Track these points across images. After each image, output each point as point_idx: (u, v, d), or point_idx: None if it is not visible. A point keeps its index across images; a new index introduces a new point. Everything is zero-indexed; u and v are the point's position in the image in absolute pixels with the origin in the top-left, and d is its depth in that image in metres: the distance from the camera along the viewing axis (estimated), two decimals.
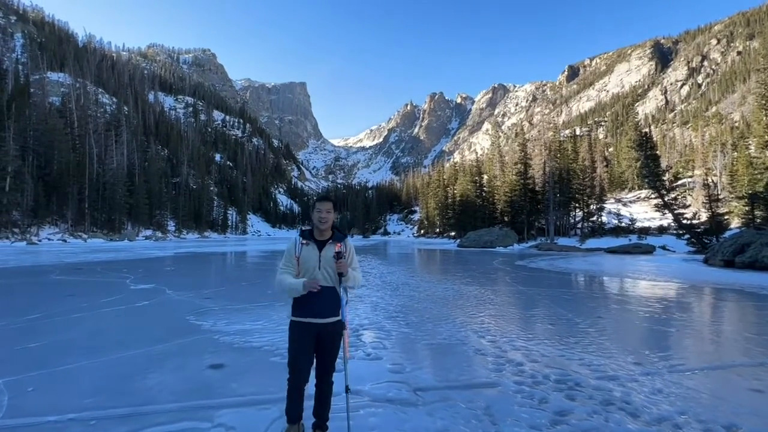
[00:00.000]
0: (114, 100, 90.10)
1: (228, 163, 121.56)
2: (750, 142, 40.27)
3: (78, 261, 15.43)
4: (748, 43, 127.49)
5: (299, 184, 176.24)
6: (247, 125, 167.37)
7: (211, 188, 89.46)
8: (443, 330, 4.74)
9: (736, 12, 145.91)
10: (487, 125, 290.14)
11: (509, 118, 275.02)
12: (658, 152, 27.52)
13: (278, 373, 3.16)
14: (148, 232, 54.62)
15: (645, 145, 25.75)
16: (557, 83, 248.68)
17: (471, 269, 13.79)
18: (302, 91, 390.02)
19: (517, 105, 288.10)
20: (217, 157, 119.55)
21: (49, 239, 38.05)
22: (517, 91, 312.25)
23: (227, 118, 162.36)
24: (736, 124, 67.39)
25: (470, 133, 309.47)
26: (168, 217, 64.18)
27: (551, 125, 47.40)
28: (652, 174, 24.90)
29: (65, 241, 38.53)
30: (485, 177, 54.65)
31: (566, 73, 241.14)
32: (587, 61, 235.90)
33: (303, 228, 2.30)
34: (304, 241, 2.19)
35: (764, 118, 36.81)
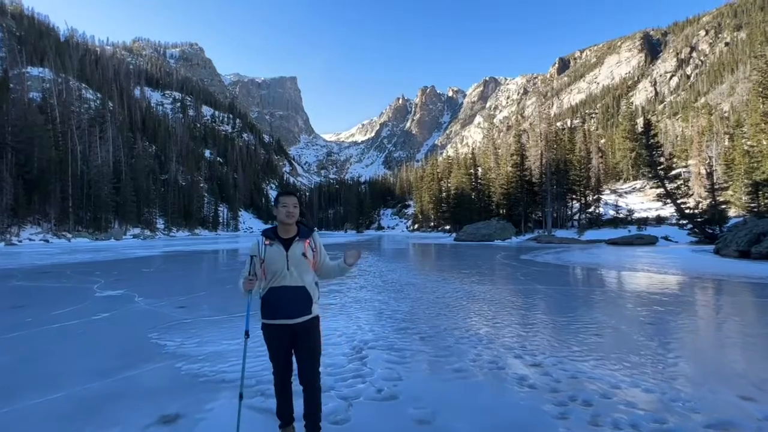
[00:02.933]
0: (98, 95, 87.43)
1: (218, 159, 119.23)
2: (745, 130, 39.96)
3: (50, 263, 14.24)
4: (735, 34, 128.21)
5: (291, 179, 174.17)
6: (237, 120, 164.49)
7: (201, 185, 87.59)
8: (468, 347, 3.82)
9: (724, 3, 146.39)
10: (479, 118, 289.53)
11: (501, 111, 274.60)
12: (660, 141, 26.87)
13: (259, 426, 2.21)
14: (137, 231, 53.02)
15: (647, 134, 25.02)
16: (548, 76, 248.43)
17: (476, 265, 12.93)
18: (293, 86, 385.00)
19: (508, 98, 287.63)
20: (207, 153, 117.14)
21: (30, 240, 36.50)
22: (508, 84, 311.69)
23: (216, 113, 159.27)
24: (726, 115, 67.45)
25: (462, 126, 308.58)
26: (157, 214, 62.53)
27: (545, 116, 46.65)
28: (654, 163, 24.24)
29: (47, 241, 36.97)
30: (480, 170, 53.88)
31: (557, 65, 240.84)
32: (578, 54, 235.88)
33: (266, 228, 2.16)
34: (267, 241, 2.07)
35: (761, 106, 36.53)
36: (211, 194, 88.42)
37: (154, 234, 54.82)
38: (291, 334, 2.05)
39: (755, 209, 21.71)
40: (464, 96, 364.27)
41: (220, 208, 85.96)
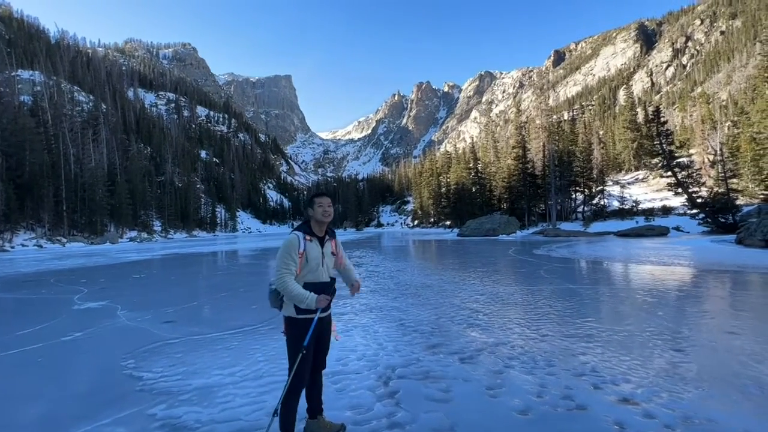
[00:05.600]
0: (91, 97, 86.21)
1: (214, 159, 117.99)
2: (749, 117, 39.22)
3: (36, 270, 13.39)
4: (731, 22, 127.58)
5: (288, 178, 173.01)
6: (233, 120, 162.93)
7: (198, 186, 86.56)
8: (523, 372, 3.02)
9: None
10: (475, 113, 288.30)
11: (497, 105, 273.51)
12: (670, 129, 26.10)
13: None
14: (133, 234, 52.10)
15: (657, 122, 24.21)
16: (544, 68, 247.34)
17: (490, 263, 12.15)
18: (288, 85, 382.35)
19: (504, 92, 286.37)
20: (203, 153, 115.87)
21: (23, 245, 35.62)
22: (503, 78, 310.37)
23: (211, 113, 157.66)
24: (724, 103, 66.81)
25: (458, 121, 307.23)
26: (154, 217, 61.58)
27: (545, 107, 45.81)
28: (665, 152, 23.47)
29: (41, 246, 36.04)
30: (480, 164, 53.06)
31: (552, 58, 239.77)
32: (573, 46, 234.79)
33: (297, 224, 2.27)
34: (308, 237, 2.13)
35: (767, 92, 35.82)
36: (208, 195, 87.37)
37: (151, 236, 53.87)
38: (320, 327, 2.13)
39: None
40: (460, 91, 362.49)
41: (217, 209, 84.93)
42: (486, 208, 44.84)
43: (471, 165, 52.81)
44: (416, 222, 77.96)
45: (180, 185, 76.57)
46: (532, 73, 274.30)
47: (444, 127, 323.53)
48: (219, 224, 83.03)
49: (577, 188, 40.86)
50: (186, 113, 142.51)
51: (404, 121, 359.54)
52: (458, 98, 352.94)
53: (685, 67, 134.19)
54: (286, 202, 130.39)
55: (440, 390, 2.76)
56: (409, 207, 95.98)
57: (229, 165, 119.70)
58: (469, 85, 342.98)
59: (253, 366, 3.27)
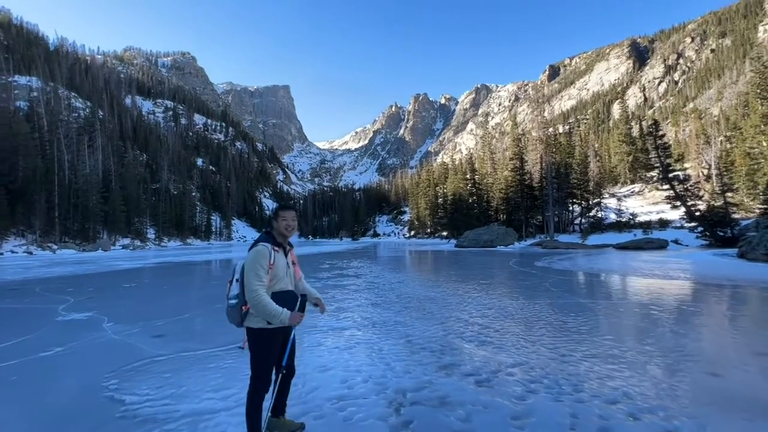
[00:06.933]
0: (88, 104, 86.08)
1: (210, 167, 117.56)
2: (743, 132, 39.69)
3: (23, 278, 12.92)
4: (720, 40, 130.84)
5: (285, 187, 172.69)
6: (230, 129, 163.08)
7: (193, 193, 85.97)
8: (549, 400, 2.72)
9: (708, 11, 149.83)
10: (471, 125, 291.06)
11: (493, 117, 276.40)
12: (668, 141, 26.23)
13: None
14: (126, 241, 51.33)
15: (655, 135, 24.33)
16: (539, 82, 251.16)
17: (492, 275, 11.89)
18: (286, 95, 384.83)
19: (500, 105, 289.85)
20: (199, 161, 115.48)
21: (13, 252, 34.93)
22: (499, 91, 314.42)
23: (209, 121, 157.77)
24: (716, 119, 67.90)
25: (455, 133, 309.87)
26: (148, 224, 60.83)
27: (542, 120, 46.17)
28: (663, 165, 23.53)
29: (31, 253, 35.35)
30: (477, 175, 53.15)
31: (547, 72, 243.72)
32: (567, 61, 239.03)
33: (262, 236, 2.18)
34: (276, 248, 2.14)
35: (760, 107, 36.35)
36: (203, 203, 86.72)
37: (144, 244, 53.11)
38: (283, 336, 2.16)
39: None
40: (456, 103, 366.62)
41: (212, 217, 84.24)
42: (483, 219, 44.72)
43: (468, 176, 52.88)
44: (413, 232, 77.69)
45: (175, 193, 76.02)
46: (527, 86, 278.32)
47: (441, 138, 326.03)
48: (214, 232, 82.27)
49: (574, 200, 40.91)
50: (183, 121, 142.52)
51: (401, 132, 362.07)
52: (455, 110, 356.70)
53: (677, 83, 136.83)
54: None
55: (459, 420, 2.46)
56: (406, 217, 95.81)
57: (225, 173, 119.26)
58: (466, 98, 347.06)
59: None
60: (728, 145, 43.22)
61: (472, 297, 7.36)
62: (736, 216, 25.68)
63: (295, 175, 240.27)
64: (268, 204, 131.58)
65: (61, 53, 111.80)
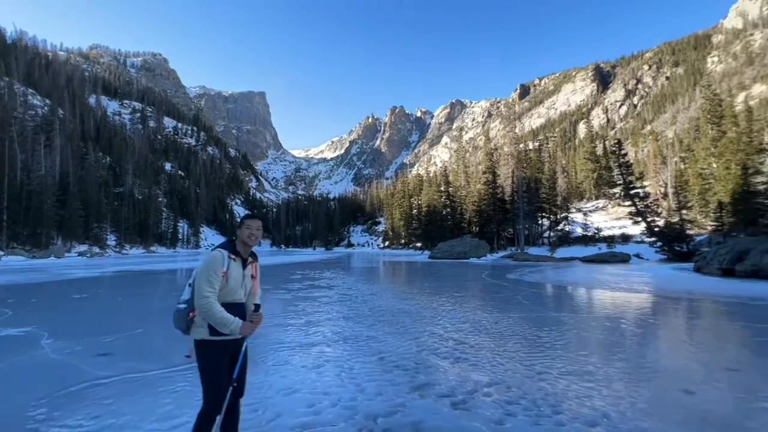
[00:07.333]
0: (47, 101, 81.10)
1: (179, 172, 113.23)
2: (695, 154, 42.51)
3: None
4: (674, 69, 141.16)
5: (258, 195, 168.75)
6: (202, 133, 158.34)
7: (160, 199, 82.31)
8: (527, 423, 2.60)
9: (663, 42, 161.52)
10: (446, 139, 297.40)
11: (467, 132, 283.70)
12: (630, 160, 27.64)
13: None
14: (83, 248, 48.17)
15: (618, 153, 25.59)
16: (510, 100, 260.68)
17: (466, 287, 11.87)
18: (261, 101, 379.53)
19: (473, 120, 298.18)
20: (168, 166, 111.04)
21: None
22: (473, 106, 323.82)
23: (180, 125, 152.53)
24: (671, 141, 72.81)
25: (430, 146, 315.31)
26: (108, 230, 57.44)
27: (514, 136, 47.76)
28: (626, 182, 24.73)
29: None
30: (451, 188, 54.03)
31: (518, 91, 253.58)
32: (537, 81, 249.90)
33: (223, 243, 2.11)
34: (233, 256, 2.04)
35: (710, 132, 39.15)
36: (170, 209, 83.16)
37: (103, 251, 50.03)
38: (234, 350, 2.04)
39: (720, 228, 22.44)
40: (432, 117, 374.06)
41: (179, 224, 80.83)
42: (456, 231, 45.29)
43: (442, 188, 53.61)
44: (387, 243, 77.61)
45: (140, 197, 72.52)
46: (499, 103, 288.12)
47: (416, 150, 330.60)
48: (181, 240, 78.87)
49: (544, 214, 42.25)
50: (152, 123, 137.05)
51: (377, 143, 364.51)
52: (430, 123, 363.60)
53: (636, 106, 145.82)
54: None
55: None
56: (380, 228, 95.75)
57: (195, 179, 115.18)
58: (441, 112, 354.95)
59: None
60: (682, 166, 46.09)
61: (446, 310, 7.24)
62: (690, 232, 27.27)
63: (269, 183, 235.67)
64: (240, 211, 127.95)
65: (19, 47, 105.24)
